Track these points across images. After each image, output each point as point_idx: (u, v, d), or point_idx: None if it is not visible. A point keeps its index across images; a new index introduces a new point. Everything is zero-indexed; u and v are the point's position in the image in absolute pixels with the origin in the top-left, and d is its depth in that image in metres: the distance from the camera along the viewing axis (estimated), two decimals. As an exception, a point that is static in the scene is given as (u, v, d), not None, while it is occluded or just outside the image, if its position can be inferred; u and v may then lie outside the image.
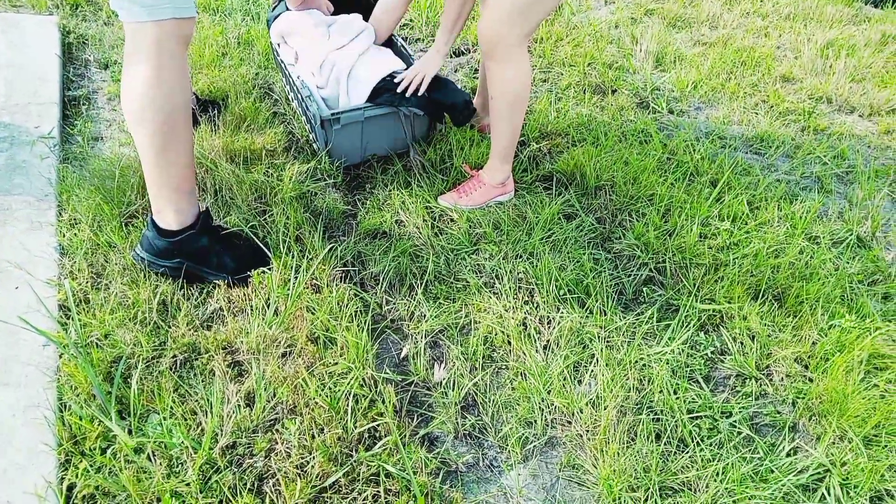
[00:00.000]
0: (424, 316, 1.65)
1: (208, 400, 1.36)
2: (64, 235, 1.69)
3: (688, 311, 1.69)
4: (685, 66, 2.83)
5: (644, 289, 1.78)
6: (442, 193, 2.05)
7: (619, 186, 2.07)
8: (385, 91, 2.01)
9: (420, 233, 1.90)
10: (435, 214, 1.98)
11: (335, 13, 2.32)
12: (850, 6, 3.37)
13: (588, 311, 1.66)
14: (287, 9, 2.21)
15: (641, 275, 1.81)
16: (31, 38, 2.53)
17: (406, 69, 2.07)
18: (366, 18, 2.24)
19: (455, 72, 2.78)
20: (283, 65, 2.23)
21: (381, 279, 1.74)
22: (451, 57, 2.89)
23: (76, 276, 1.59)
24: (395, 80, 2.00)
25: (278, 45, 2.25)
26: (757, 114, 2.56)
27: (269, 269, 1.65)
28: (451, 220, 1.97)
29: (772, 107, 2.60)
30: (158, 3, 1.35)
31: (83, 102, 2.29)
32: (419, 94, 1.98)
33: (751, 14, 3.27)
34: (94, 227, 1.69)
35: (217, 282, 1.63)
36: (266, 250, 1.68)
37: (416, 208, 1.96)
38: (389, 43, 2.31)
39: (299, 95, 2.10)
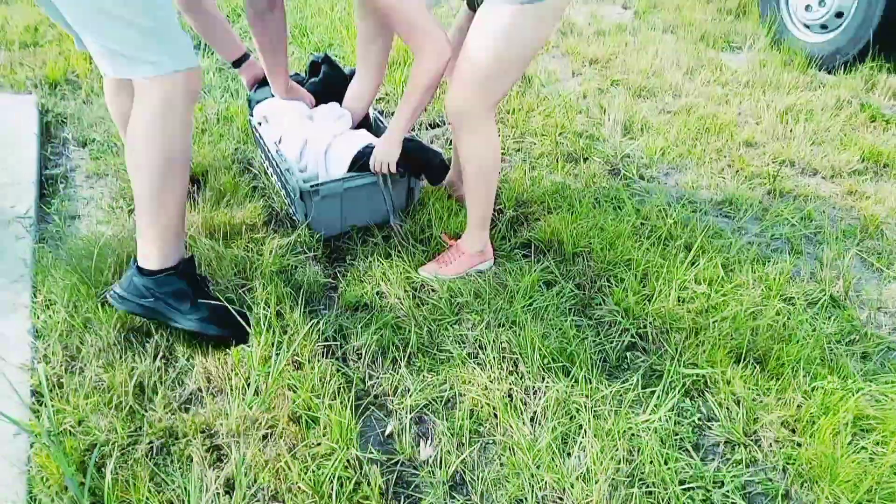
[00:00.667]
0: (409, 390, 1.63)
1: (186, 489, 1.31)
2: (38, 317, 1.65)
3: (672, 376, 1.69)
4: (652, 133, 2.93)
5: (627, 354, 1.78)
6: (422, 264, 2.06)
7: (597, 252, 2.10)
8: (364, 159, 2.05)
9: (402, 304, 1.90)
10: (416, 285, 1.98)
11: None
12: (804, 73, 3.55)
13: (573, 380, 1.65)
14: (272, 95, 2.27)
15: (624, 340, 1.82)
16: (9, 117, 2.54)
17: None
18: None
19: (431, 143, 2.84)
20: (261, 141, 2.26)
21: (363, 353, 1.72)
22: (427, 129, 2.96)
23: (50, 360, 1.54)
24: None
25: (259, 123, 2.29)
26: (724, 178, 2.65)
27: (248, 346, 1.62)
28: (433, 290, 1.97)
29: (738, 171, 2.69)
30: (161, 58, 1.46)
31: (60, 181, 2.29)
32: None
33: (711, 83, 3.43)
34: (70, 308, 1.66)
35: (186, 328, 1.61)
36: (242, 320, 1.66)
37: (397, 279, 1.96)
38: (365, 118, 2.36)
39: (278, 169, 2.12)
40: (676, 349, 1.77)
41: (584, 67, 3.59)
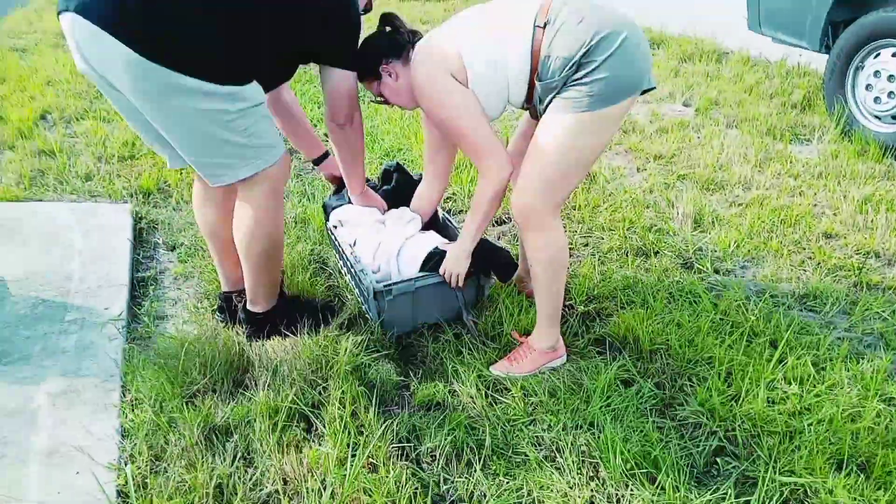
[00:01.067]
0: (485, 496, 1.58)
1: None
2: (126, 417, 1.71)
3: (767, 485, 1.58)
4: (725, 226, 2.89)
5: (716, 459, 1.68)
6: (494, 362, 2.04)
7: (675, 350, 2.04)
8: (434, 259, 2.09)
9: (474, 403, 1.87)
10: (488, 383, 1.96)
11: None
12: (880, 162, 3.46)
13: (660, 488, 1.56)
14: (349, 201, 2.39)
15: (711, 444, 1.72)
16: (105, 224, 2.75)
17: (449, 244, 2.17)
18: None
19: (497, 239, 2.88)
20: (337, 243, 2.36)
21: (437, 455, 1.69)
22: (493, 225, 3.02)
23: (136, 459, 1.58)
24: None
25: (334, 227, 2.39)
26: (805, 271, 2.56)
27: (323, 447, 1.62)
28: (506, 388, 1.94)
29: (819, 263, 2.60)
30: (257, 160, 1.73)
31: (150, 283, 2.43)
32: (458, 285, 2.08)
33: (782, 174, 3.38)
34: (156, 408, 1.72)
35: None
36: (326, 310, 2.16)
37: (469, 377, 1.95)
38: (434, 217, 2.44)
39: (353, 269, 2.19)
40: (770, 454, 1.67)
41: (648, 163, 3.62)
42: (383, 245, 2.20)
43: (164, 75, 1.51)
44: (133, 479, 1.51)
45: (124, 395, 1.81)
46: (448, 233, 2.40)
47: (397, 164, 2.58)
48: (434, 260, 2.10)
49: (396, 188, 2.50)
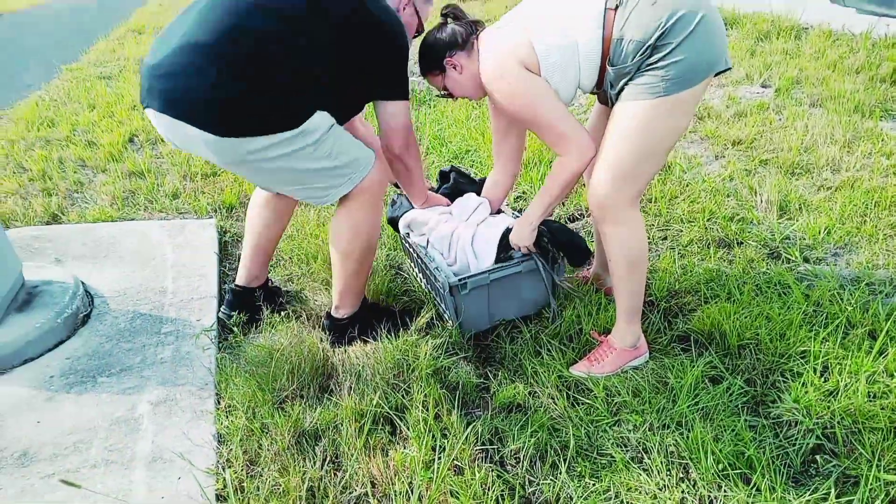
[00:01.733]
0: (571, 498, 1.56)
1: None
2: (222, 423, 1.80)
3: (872, 483, 1.49)
4: (813, 212, 2.75)
5: (818, 458, 1.60)
6: (574, 362, 2.02)
7: (765, 344, 1.96)
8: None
9: (556, 404, 1.86)
10: (569, 384, 1.94)
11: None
12: (984, 135, 3.22)
13: (755, 489, 1.50)
14: (411, 206, 2.42)
15: (808, 443, 1.65)
16: (193, 239, 2.89)
17: None
18: None
19: (572, 237, 2.85)
20: (408, 247, 2.39)
21: (521, 457, 1.69)
22: (567, 222, 2.98)
23: (232, 464, 1.66)
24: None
25: (406, 234, 2.43)
26: (905, 255, 2.40)
27: (409, 451, 1.65)
28: (587, 389, 1.91)
29: (920, 247, 2.44)
30: (353, 174, 1.87)
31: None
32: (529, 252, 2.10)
33: (874, 154, 3.18)
34: (249, 414, 1.79)
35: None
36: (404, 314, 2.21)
37: (549, 378, 1.94)
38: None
39: (427, 270, 2.22)
40: (873, 452, 1.58)
41: (726, 150, 3.48)
42: (455, 236, 2.21)
43: (238, 144, 1.68)
44: (231, 484, 1.58)
45: (219, 402, 1.90)
46: None
47: (452, 166, 2.60)
48: (509, 237, 2.12)
49: (455, 186, 2.52)
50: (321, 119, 1.77)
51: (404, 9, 2.03)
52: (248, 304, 2.29)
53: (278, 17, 1.67)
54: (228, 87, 1.63)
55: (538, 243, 2.10)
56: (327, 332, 2.18)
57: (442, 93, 2.03)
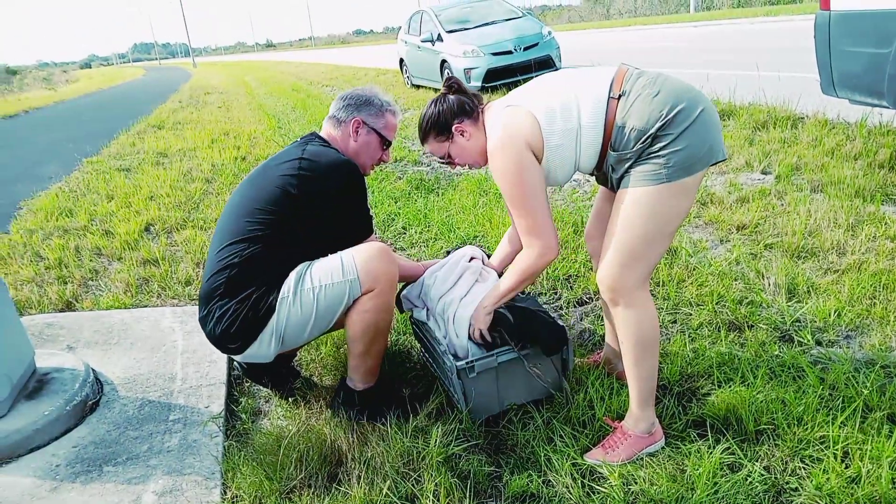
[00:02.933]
0: (591, 593, 1.49)
1: None
2: (228, 514, 1.75)
3: (906, 578, 1.42)
4: (822, 295, 2.75)
5: (843, 551, 1.54)
6: (587, 449, 1.98)
7: (783, 429, 1.92)
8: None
9: (570, 493, 1.81)
10: (583, 472, 1.89)
11: None
12: None
13: (782, 583, 1.44)
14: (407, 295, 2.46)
15: (834, 533, 1.58)
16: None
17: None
18: None
19: (581, 320, 2.85)
20: (417, 330, 2.40)
21: (536, 549, 1.63)
22: (574, 306, 2.99)
23: (237, 558, 1.60)
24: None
25: (411, 313, 2.44)
26: (918, 337, 2.38)
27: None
28: (602, 476, 1.86)
29: (933, 328, 2.42)
30: (343, 296, 2.01)
31: (246, 380, 2.52)
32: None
33: (878, 237, 3.22)
34: (255, 504, 1.75)
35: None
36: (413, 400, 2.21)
37: (563, 466, 1.89)
38: None
39: (434, 353, 2.21)
40: (904, 543, 1.51)
41: (731, 234, 3.53)
42: (444, 310, 2.23)
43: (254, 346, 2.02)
44: (236, 578, 1.53)
45: (225, 493, 1.85)
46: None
47: (457, 245, 2.65)
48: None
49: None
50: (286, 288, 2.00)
51: (356, 132, 2.22)
52: (273, 371, 2.34)
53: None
54: (228, 326, 2.01)
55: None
56: (340, 405, 2.20)
57: (443, 160, 2.09)
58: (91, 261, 4.01)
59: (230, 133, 8.96)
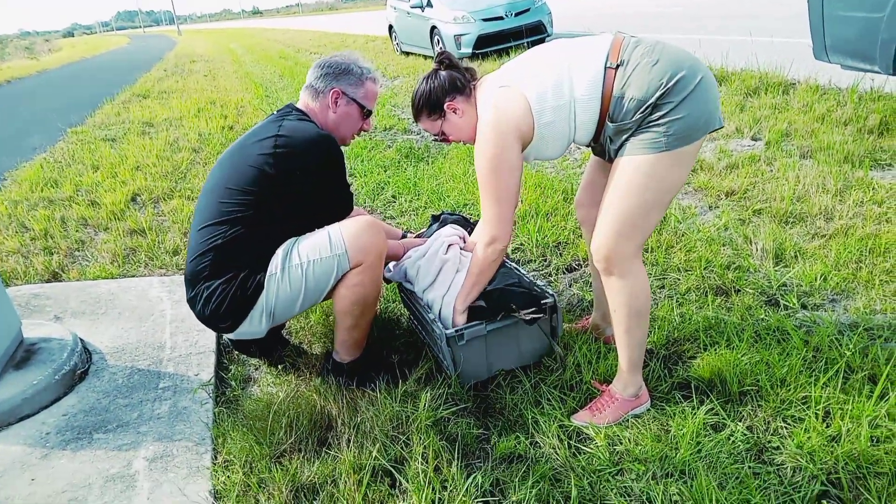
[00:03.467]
0: (576, 550, 1.53)
1: None
2: (218, 479, 1.77)
3: (882, 532, 1.46)
4: (808, 259, 2.77)
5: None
6: (574, 412, 2.00)
7: (766, 390, 1.95)
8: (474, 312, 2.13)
9: (557, 454, 1.83)
10: (570, 433, 1.92)
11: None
12: (973, 182, 3.27)
13: (762, 538, 1.47)
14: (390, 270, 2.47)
15: (813, 489, 1.62)
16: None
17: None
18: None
19: (569, 286, 2.86)
20: (406, 298, 2.40)
21: (523, 508, 1.66)
22: (564, 272, 3.00)
23: (228, 521, 1.62)
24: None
25: (400, 283, 2.44)
26: (901, 300, 2.41)
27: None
28: (589, 438, 1.89)
29: (916, 291, 2.45)
30: (331, 270, 2.00)
31: (235, 348, 2.52)
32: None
33: (865, 202, 3.23)
34: (246, 469, 1.77)
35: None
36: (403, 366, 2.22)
37: (550, 428, 1.92)
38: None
39: (424, 320, 2.22)
40: (879, 497, 1.55)
41: (720, 200, 3.54)
42: (426, 302, 2.23)
43: (245, 324, 2.03)
44: (227, 540, 1.55)
45: (216, 458, 1.87)
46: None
47: (443, 211, 2.65)
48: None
49: (443, 223, 2.56)
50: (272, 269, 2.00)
51: (335, 103, 2.16)
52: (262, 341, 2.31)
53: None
54: (217, 307, 2.02)
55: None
56: (328, 374, 2.20)
57: (437, 137, 2.07)
58: (77, 231, 3.97)
59: (217, 102, 8.83)
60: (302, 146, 2.01)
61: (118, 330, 2.63)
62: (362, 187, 4.50)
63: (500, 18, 10.05)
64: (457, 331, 2.05)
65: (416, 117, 2.07)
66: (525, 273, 2.38)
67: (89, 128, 7.65)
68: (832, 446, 1.72)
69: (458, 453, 1.81)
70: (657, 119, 1.66)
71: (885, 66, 3.81)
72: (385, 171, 4.80)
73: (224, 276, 1.97)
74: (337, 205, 2.17)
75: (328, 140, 2.05)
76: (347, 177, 2.15)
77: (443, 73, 1.97)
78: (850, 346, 2.09)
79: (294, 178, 2.00)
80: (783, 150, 4.16)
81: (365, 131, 2.29)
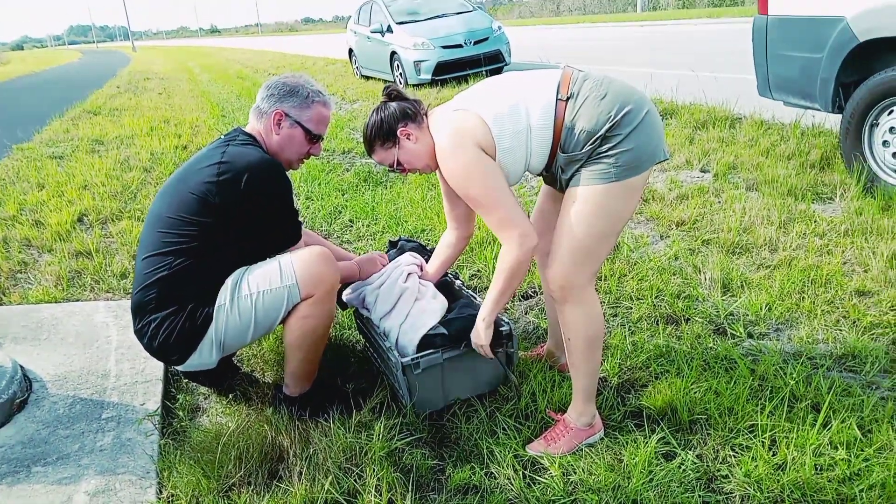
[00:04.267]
0: (530, 583, 1.52)
1: None
2: (163, 514, 1.70)
3: (825, 559, 1.50)
4: (754, 289, 2.86)
5: (768, 535, 1.61)
6: (529, 440, 2.01)
7: (715, 419, 1.99)
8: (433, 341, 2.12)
9: (512, 484, 1.83)
10: (525, 463, 1.92)
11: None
12: (905, 216, 3.44)
13: (711, 567, 1.49)
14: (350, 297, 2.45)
15: (761, 518, 1.65)
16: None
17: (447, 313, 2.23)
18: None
19: (525, 314, 2.89)
20: (362, 325, 2.39)
21: (478, 541, 1.64)
22: (519, 300, 3.03)
23: (172, 559, 1.56)
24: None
25: (356, 308, 2.43)
26: (841, 330, 2.51)
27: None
28: (543, 468, 1.90)
29: (854, 322, 2.55)
30: (282, 301, 1.96)
31: (184, 376, 2.45)
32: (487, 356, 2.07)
33: (808, 234, 3.36)
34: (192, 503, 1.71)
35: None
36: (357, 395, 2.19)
37: (505, 458, 1.91)
38: (450, 285, 2.50)
39: (380, 348, 2.20)
40: (824, 526, 1.59)
41: (671, 230, 3.63)
42: (389, 330, 2.22)
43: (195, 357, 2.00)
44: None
45: (160, 492, 1.80)
46: (456, 298, 2.43)
47: (401, 236, 2.68)
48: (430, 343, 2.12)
49: (402, 250, 2.57)
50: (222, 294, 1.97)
51: (277, 125, 2.08)
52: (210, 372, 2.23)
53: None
54: (164, 336, 1.97)
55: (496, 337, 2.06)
56: (279, 406, 2.15)
57: (393, 168, 2.01)
58: (20, 252, 3.83)
59: (171, 121, 8.68)
60: (244, 173, 1.92)
61: (61, 357, 2.52)
62: (319, 210, 4.47)
63: (460, 46, 10.20)
64: (413, 359, 2.04)
65: (370, 150, 2.02)
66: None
67: (36, 144, 7.41)
68: (778, 474, 1.76)
69: (412, 485, 1.79)
70: (606, 150, 1.71)
71: (825, 104, 4.00)
72: (343, 195, 4.78)
73: (171, 308, 1.92)
74: (284, 233, 2.10)
75: (272, 166, 2.00)
76: (295, 203, 2.09)
77: (392, 104, 1.97)
78: (794, 375, 2.16)
79: (238, 207, 1.94)
80: (730, 182, 4.31)
81: (313, 155, 2.21)
